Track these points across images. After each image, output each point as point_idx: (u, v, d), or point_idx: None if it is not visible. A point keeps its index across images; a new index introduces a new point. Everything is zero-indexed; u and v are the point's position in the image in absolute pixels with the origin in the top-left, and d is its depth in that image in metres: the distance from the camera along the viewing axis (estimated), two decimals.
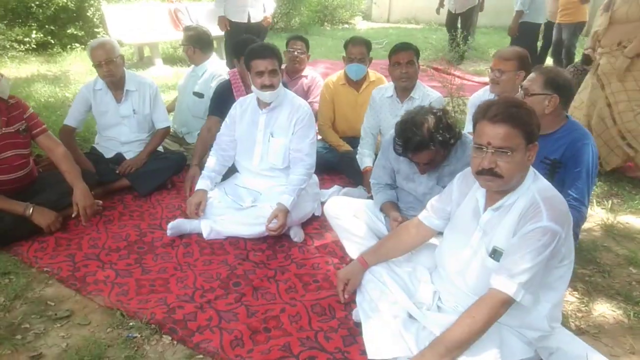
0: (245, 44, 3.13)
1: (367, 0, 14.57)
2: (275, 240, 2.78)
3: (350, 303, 2.19)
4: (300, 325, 2.11)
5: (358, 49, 3.63)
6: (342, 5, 13.36)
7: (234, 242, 2.78)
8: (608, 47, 3.61)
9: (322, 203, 3.05)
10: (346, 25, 13.26)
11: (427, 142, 2.17)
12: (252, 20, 5.51)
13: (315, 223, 3.01)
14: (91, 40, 3.37)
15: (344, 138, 3.79)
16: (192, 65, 4.08)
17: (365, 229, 2.56)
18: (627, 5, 3.49)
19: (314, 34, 11.10)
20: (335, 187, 3.38)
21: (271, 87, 2.71)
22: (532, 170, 1.76)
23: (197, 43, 3.89)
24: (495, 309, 1.62)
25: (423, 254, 2.18)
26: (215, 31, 8.10)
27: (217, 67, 3.99)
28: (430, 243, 2.18)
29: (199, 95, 3.91)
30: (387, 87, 3.36)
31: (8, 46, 7.71)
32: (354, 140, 3.74)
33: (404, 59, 3.13)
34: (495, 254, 1.74)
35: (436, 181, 2.39)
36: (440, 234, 2.07)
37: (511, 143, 1.63)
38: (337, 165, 3.67)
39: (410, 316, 1.91)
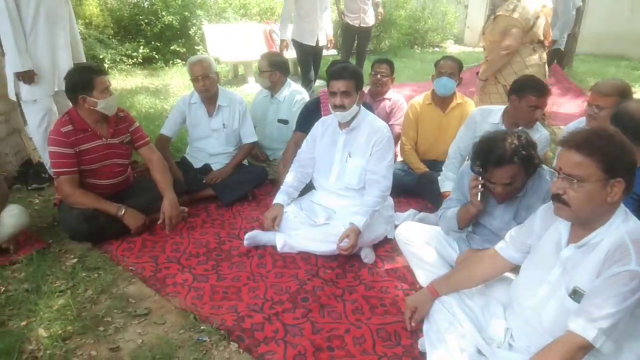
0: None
1: (460, 24, 14.35)
2: (346, 260, 2.80)
3: (417, 331, 2.14)
4: (364, 348, 2.10)
5: (449, 64, 3.60)
6: (434, 29, 13.26)
7: (306, 257, 2.83)
8: (488, 80, 4.06)
9: (396, 226, 3.03)
10: (437, 49, 13.13)
11: (510, 156, 2.09)
12: (320, 44, 5.87)
13: (387, 246, 2.99)
14: (192, 57, 3.61)
15: (423, 161, 3.76)
16: (266, 92, 4.12)
17: (436, 256, 2.50)
18: (490, 30, 3.98)
19: (403, 57, 11.09)
20: (411, 211, 3.34)
21: (341, 107, 2.76)
22: (623, 208, 1.64)
23: (281, 68, 4.02)
24: (572, 354, 1.52)
25: (497, 288, 2.09)
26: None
27: (296, 90, 4.10)
28: (505, 277, 2.09)
29: (284, 122, 4.00)
30: (495, 111, 3.16)
31: (118, 60, 8.44)
32: (433, 164, 3.70)
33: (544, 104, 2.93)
34: (576, 294, 1.64)
35: (513, 216, 2.30)
36: (517, 267, 1.98)
37: (582, 172, 1.55)
38: (414, 189, 3.63)
39: (479, 352, 1.83)
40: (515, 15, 3.75)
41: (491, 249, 2.06)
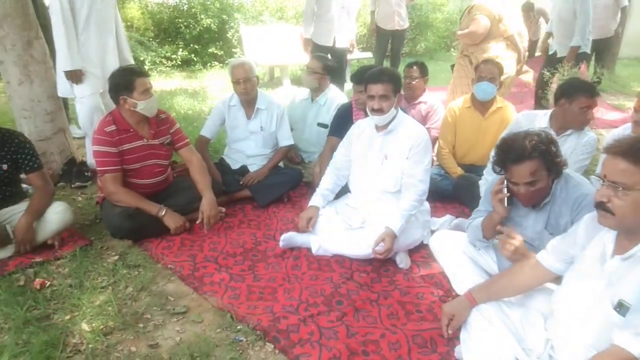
0: (364, 72, 3.21)
1: None
2: (381, 264, 2.78)
3: (454, 339, 2.12)
4: (399, 354, 2.09)
5: (489, 68, 3.55)
6: None
7: (340, 260, 2.83)
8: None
9: (432, 231, 3.00)
10: None
11: (529, 151, 2.03)
12: (337, 45, 5.56)
13: (423, 251, 2.96)
14: (233, 59, 3.68)
15: (461, 165, 3.71)
16: (306, 95, 4.13)
17: (473, 265, 2.46)
18: (464, 21, 4.65)
19: (439, 60, 10.96)
20: (447, 217, 3.30)
21: (379, 111, 2.76)
22: None
23: (332, 73, 4.03)
24: None
25: (537, 298, 2.04)
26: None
27: (336, 95, 4.09)
28: (546, 287, 2.04)
29: (324, 126, 3.99)
30: (541, 115, 3.11)
31: (158, 62, 8.64)
32: (470, 169, 3.64)
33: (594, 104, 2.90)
34: (622, 308, 1.59)
35: (544, 225, 2.23)
36: (559, 278, 1.93)
37: (627, 179, 1.50)
38: (451, 194, 3.58)
39: None
40: (488, 6, 4.43)
41: (532, 258, 2.01)
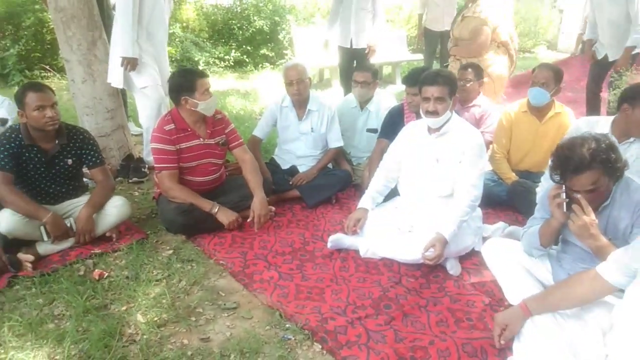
0: (417, 75, 3.17)
1: (554, 29, 13.62)
2: (430, 270, 2.74)
3: (506, 349, 2.06)
4: None
5: (543, 73, 3.43)
6: (526, 34, 12.67)
7: (389, 264, 2.81)
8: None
9: (484, 238, 2.94)
10: (527, 54, 12.55)
11: (589, 161, 1.94)
12: (354, 46, 5.37)
13: (475, 258, 2.90)
14: (288, 61, 3.73)
15: (515, 171, 3.61)
16: (354, 102, 4.07)
17: (526, 274, 2.39)
18: (459, 29, 4.69)
19: None
20: (500, 224, 3.21)
21: (434, 113, 2.72)
22: None
23: (376, 75, 4.01)
24: None
25: (596, 311, 1.96)
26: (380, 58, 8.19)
27: (384, 98, 4.06)
28: (605, 301, 1.96)
29: (373, 131, 3.97)
30: (602, 122, 2.99)
31: (211, 62, 8.85)
32: (525, 175, 3.54)
33: None
34: None
35: (603, 230, 2.11)
36: (621, 291, 1.85)
37: None
38: (504, 200, 3.49)
39: None
40: (483, 16, 4.51)
41: (592, 270, 1.93)
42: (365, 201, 3.03)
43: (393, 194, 3.17)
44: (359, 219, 2.93)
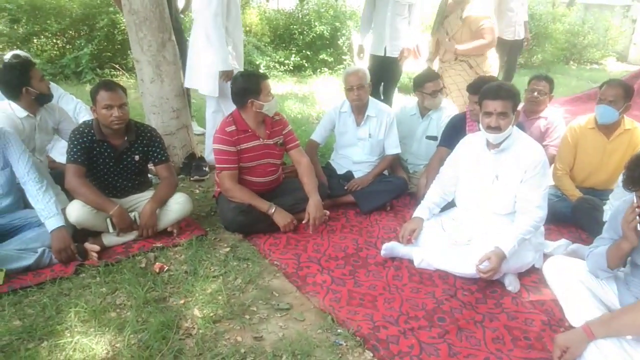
0: (482, 83, 3.10)
1: (625, 40, 12.96)
2: (487, 284, 2.67)
3: None
4: None
5: (612, 91, 3.25)
6: (594, 44, 12.13)
7: (443, 276, 2.76)
8: (448, 62, 4.63)
9: (545, 255, 2.83)
10: (595, 66, 12.01)
11: None
12: (388, 54, 5.10)
13: (534, 275, 2.79)
14: (347, 67, 3.75)
15: (580, 188, 3.45)
16: (414, 110, 4.02)
17: (590, 296, 2.28)
18: (460, 32, 4.49)
19: (557, 73, 10.30)
20: (563, 241, 3.08)
21: (497, 129, 2.62)
22: None
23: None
24: None
25: None
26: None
27: (446, 106, 3.98)
28: None
29: (433, 138, 3.91)
30: None
31: (272, 66, 9.00)
32: (590, 193, 3.38)
33: None
34: None
35: None
36: None
37: None
38: (568, 217, 3.35)
39: None
40: (483, 15, 4.41)
41: None
42: (421, 211, 2.99)
43: (450, 204, 3.12)
44: (414, 230, 2.89)
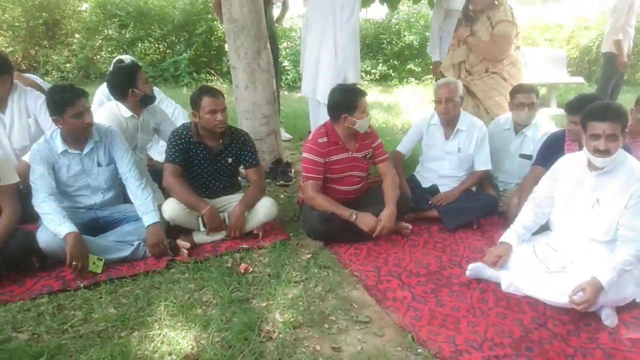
0: (583, 102, 2.90)
1: None
2: (581, 316, 2.49)
3: None
4: None
5: None
6: None
7: (533, 303, 2.61)
8: (477, 75, 4.22)
9: None
10: None
11: None
12: None
13: (635, 311, 2.56)
14: (441, 79, 3.67)
15: None
16: (509, 124, 3.82)
17: None
18: (486, 32, 4.10)
19: None
20: None
21: (606, 152, 2.44)
22: None
23: (538, 95, 3.76)
24: None
25: None
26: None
27: (542, 122, 3.78)
28: None
29: (527, 157, 3.71)
30: None
31: None
32: None
33: None
34: None
35: None
36: None
37: None
38: None
39: None
40: (512, 19, 4.05)
41: None
42: (509, 236, 2.85)
43: (544, 227, 2.95)
44: (501, 255, 2.77)
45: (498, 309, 2.56)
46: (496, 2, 4.11)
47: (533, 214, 2.88)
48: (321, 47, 4.29)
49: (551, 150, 3.33)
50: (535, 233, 2.93)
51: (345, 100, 3.10)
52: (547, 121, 3.89)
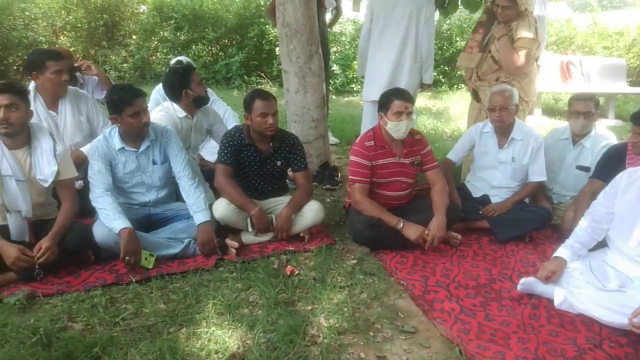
0: None
1: None
2: (639, 338, 2.37)
3: None
4: None
5: None
6: None
7: (587, 322, 2.49)
8: (487, 82, 3.99)
9: None
10: None
11: None
12: None
13: None
14: (496, 86, 3.58)
15: None
16: (567, 134, 3.67)
17: None
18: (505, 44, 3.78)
19: None
20: None
21: None
22: None
23: (598, 105, 3.61)
24: None
25: None
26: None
27: (603, 133, 3.63)
28: None
29: (585, 169, 3.57)
30: None
31: None
32: None
33: None
34: None
35: None
36: None
37: None
38: None
39: None
40: (534, 36, 3.76)
41: None
42: (564, 251, 2.74)
43: (601, 244, 2.82)
44: (555, 271, 2.67)
45: (550, 326, 2.46)
46: (522, 10, 3.79)
47: (590, 230, 2.76)
48: (401, 52, 4.37)
49: (611, 163, 3.19)
50: (592, 250, 2.81)
51: (383, 97, 3.12)
52: (607, 132, 3.72)
